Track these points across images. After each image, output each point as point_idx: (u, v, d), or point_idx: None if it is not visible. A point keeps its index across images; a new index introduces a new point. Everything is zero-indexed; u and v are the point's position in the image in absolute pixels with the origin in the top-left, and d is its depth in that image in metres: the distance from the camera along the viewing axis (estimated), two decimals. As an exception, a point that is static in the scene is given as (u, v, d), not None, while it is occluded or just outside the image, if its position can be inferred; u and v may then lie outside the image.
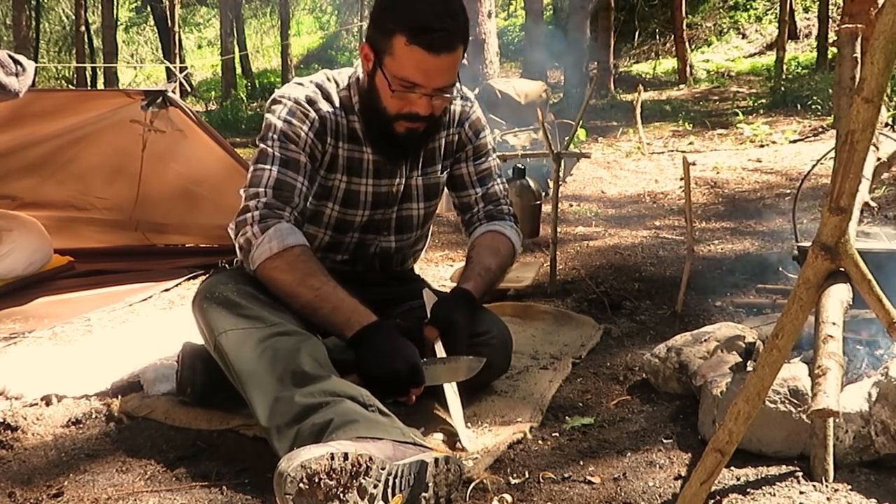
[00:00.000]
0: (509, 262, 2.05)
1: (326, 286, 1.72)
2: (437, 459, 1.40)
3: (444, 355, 1.76)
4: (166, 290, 3.23)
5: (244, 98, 15.23)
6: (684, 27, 13.65)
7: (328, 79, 1.92)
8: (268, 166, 1.80)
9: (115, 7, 16.29)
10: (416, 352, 1.68)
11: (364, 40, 1.82)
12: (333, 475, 1.28)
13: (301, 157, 1.82)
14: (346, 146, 1.89)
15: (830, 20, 12.44)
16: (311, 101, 1.85)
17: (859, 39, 1.89)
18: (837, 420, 1.47)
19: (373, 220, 1.97)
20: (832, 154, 1.57)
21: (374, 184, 1.93)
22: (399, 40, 1.70)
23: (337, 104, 1.88)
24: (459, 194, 2.10)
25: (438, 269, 3.42)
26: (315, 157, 1.86)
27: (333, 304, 1.71)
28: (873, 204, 2.33)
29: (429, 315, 1.85)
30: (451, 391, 1.73)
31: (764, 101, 10.50)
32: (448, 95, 1.81)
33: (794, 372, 1.57)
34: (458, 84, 1.90)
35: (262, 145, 1.83)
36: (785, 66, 11.64)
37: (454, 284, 2.74)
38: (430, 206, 2.05)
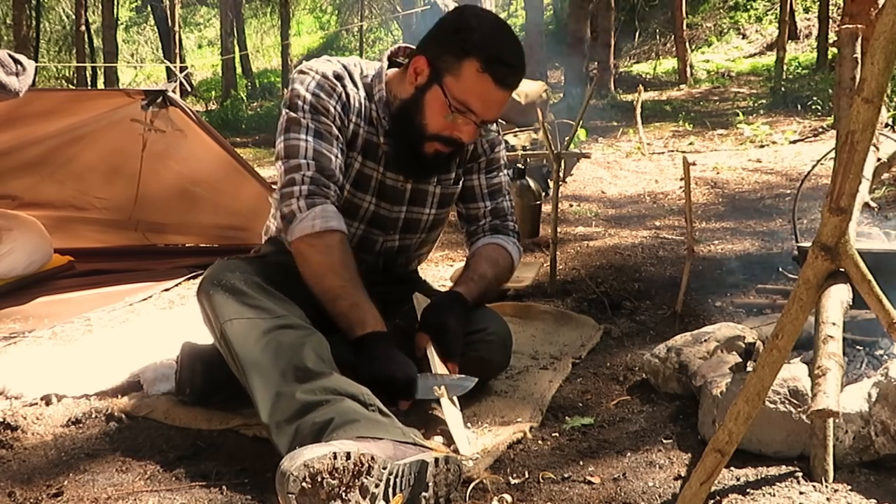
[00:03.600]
0: (506, 275, 2.07)
1: (354, 281, 1.74)
2: (437, 459, 1.40)
3: (437, 360, 1.75)
4: (166, 289, 3.23)
5: (244, 98, 15.24)
6: (684, 27, 13.65)
7: (354, 64, 1.92)
8: (303, 136, 1.80)
9: (115, 7, 16.29)
10: (413, 367, 1.70)
11: (419, 53, 1.81)
12: (336, 474, 1.28)
13: (333, 130, 1.82)
14: (366, 127, 1.89)
15: (830, 20, 12.45)
16: (338, 77, 1.86)
17: (859, 40, 1.89)
18: (837, 420, 1.47)
19: (379, 214, 1.97)
20: (832, 154, 1.57)
21: (384, 174, 1.93)
22: (471, 65, 1.72)
23: (361, 87, 1.89)
24: (468, 206, 2.09)
25: (438, 269, 3.42)
26: (343, 133, 1.85)
27: (355, 300, 1.72)
28: (873, 204, 2.33)
29: (419, 320, 1.84)
30: (447, 401, 1.72)
31: (764, 101, 10.52)
32: (489, 131, 1.84)
33: (794, 372, 1.57)
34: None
35: (290, 114, 1.82)
36: (785, 67, 11.64)
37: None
38: (440, 214, 2.06)
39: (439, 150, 1.83)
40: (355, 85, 1.88)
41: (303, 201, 1.76)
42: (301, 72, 1.86)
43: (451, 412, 1.70)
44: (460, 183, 2.05)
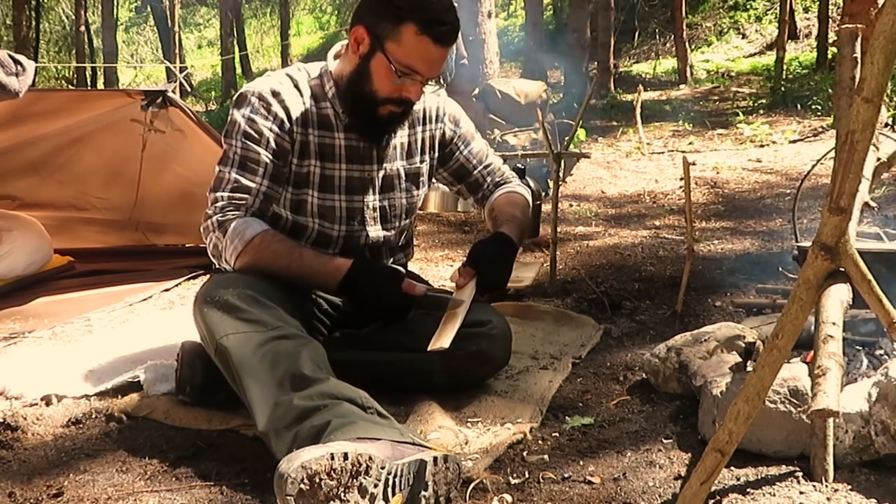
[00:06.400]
0: (527, 210, 2.17)
1: (292, 258, 1.84)
2: (436, 458, 1.40)
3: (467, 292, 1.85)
4: (166, 290, 3.23)
5: (244, 98, 15.21)
6: (684, 27, 13.64)
7: (299, 69, 1.98)
8: (227, 169, 1.88)
9: (115, 7, 16.29)
10: (396, 271, 1.88)
11: (357, 23, 1.85)
12: (334, 475, 1.28)
13: (261, 156, 1.87)
14: (316, 132, 1.94)
15: (830, 20, 12.42)
16: (275, 93, 1.90)
17: (859, 39, 1.89)
18: (837, 420, 1.47)
19: (352, 208, 2.00)
20: (832, 154, 1.57)
21: (348, 168, 1.98)
22: (409, 29, 1.77)
23: (307, 93, 1.93)
24: (467, 180, 2.20)
25: (438, 269, 3.42)
26: (283, 149, 1.90)
27: (307, 271, 1.84)
28: (873, 204, 2.33)
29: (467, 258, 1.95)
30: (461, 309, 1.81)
31: (764, 101, 10.50)
32: (431, 84, 1.91)
33: (794, 372, 1.57)
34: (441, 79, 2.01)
35: (225, 143, 1.90)
36: (785, 66, 11.63)
37: (454, 284, 2.75)
38: (412, 197, 2.10)
39: (393, 111, 1.90)
40: (300, 92, 1.93)
41: (218, 231, 1.85)
42: (240, 96, 1.92)
43: (456, 310, 1.79)
44: (425, 165, 2.11)
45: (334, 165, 1.96)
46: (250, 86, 1.93)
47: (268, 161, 1.87)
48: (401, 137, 2.04)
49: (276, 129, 1.88)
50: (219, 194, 1.88)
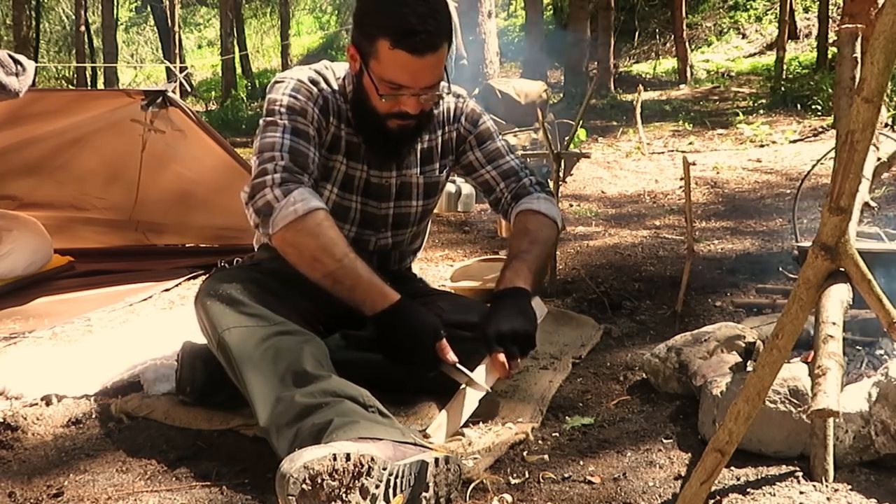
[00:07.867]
0: (546, 231, 1.98)
1: (348, 258, 1.70)
2: (437, 459, 1.40)
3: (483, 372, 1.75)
4: (166, 290, 3.23)
5: (244, 98, 15.23)
6: (684, 27, 13.64)
7: (326, 67, 1.95)
8: (279, 134, 1.78)
9: (115, 7, 16.30)
10: (437, 327, 1.70)
11: (351, 42, 1.83)
12: (336, 476, 1.28)
13: (310, 130, 1.82)
14: (346, 129, 1.91)
15: (830, 20, 12.43)
16: (314, 81, 1.87)
17: (859, 39, 1.89)
18: (837, 420, 1.47)
19: (367, 213, 1.98)
20: (832, 154, 1.57)
21: (369, 172, 1.95)
22: (383, 45, 1.71)
23: (336, 88, 1.91)
24: (475, 177, 2.10)
25: (438, 269, 3.42)
26: (321, 134, 1.86)
27: (353, 279, 1.69)
28: (873, 204, 2.33)
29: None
30: (472, 397, 1.73)
31: (764, 101, 10.50)
32: (437, 92, 1.83)
33: (794, 372, 1.57)
34: (447, 82, 1.91)
35: (268, 118, 1.82)
36: (785, 66, 11.64)
37: (454, 284, 2.75)
38: (427, 204, 2.07)
39: (402, 125, 1.84)
40: (331, 88, 1.90)
41: (277, 190, 1.70)
42: (277, 81, 1.88)
43: (465, 398, 1.72)
44: (444, 172, 2.08)
45: (357, 166, 1.93)
46: (286, 73, 1.90)
47: (315, 136, 1.82)
48: (418, 144, 2.00)
49: (316, 111, 1.84)
50: (276, 153, 1.74)
